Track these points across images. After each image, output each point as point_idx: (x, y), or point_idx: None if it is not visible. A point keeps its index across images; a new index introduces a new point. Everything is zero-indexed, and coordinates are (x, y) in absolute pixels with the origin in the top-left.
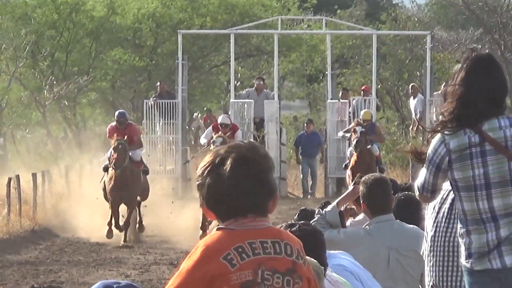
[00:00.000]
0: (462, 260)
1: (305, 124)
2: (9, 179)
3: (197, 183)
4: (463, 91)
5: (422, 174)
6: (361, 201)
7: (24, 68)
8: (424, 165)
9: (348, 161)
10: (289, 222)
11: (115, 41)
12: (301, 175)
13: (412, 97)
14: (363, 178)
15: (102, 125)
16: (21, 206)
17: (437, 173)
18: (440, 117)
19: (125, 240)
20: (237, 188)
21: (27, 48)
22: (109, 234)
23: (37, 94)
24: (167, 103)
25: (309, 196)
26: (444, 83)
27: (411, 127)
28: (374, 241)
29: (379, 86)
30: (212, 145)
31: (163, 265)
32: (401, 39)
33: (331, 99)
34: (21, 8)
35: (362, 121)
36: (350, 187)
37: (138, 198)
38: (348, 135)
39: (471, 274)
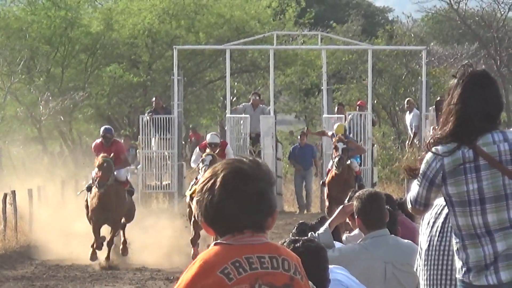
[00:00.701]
0: (459, 275)
1: (299, 137)
2: (5, 195)
3: (196, 199)
4: (459, 108)
5: (415, 187)
6: (356, 216)
7: (19, 84)
8: (417, 178)
9: (325, 177)
10: (292, 238)
11: (111, 56)
12: (295, 188)
13: (408, 112)
14: (357, 193)
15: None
16: (17, 222)
17: (430, 188)
18: (435, 132)
19: (107, 259)
20: (235, 204)
21: (22, 63)
22: (93, 256)
23: (32, 109)
24: (163, 118)
25: (305, 211)
26: (438, 97)
27: (407, 141)
28: (370, 256)
29: (375, 101)
30: (201, 163)
31: (159, 280)
32: (397, 54)
33: (327, 114)
34: (16, 23)
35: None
36: (339, 208)
37: (123, 219)
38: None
39: None
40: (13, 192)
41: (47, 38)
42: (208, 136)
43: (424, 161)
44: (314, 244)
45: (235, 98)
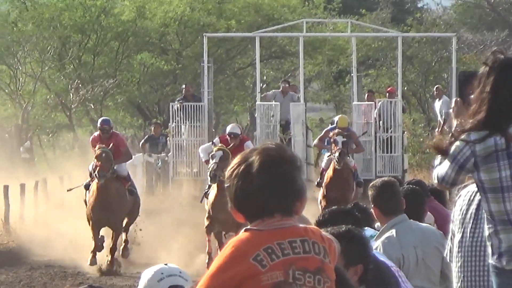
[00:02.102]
0: (491, 260)
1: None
2: (36, 182)
3: (226, 185)
4: (491, 97)
5: (445, 166)
6: (372, 206)
7: (50, 71)
8: (447, 159)
9: (320, 178)
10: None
11: (141, 44)
12: None
13: (437, 99)
14: (372, 183)
15: (129, 128)
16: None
17: (459, 171)
18: (467, 120)
19: (110, 264)
20: (264, 189)
21: (53, 51)
22: (93, 260)
23: (63, 97)
24: (193, 106)
25: None
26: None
27: (437, 128)
28: (401, 243)
29: (405, 88)
30: (211, 159)
31: None
32: (426, 41)
33: (356, 101)
34: (48, 11)
35: (339, 129)
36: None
37: (125, 220)
38: (325, 157)
39: (500, 274)
40: (45, 180)
41: (79, 26)
42: (229, 126)
43: (456, 145)
44: (358, 231)
45: (264, 85)
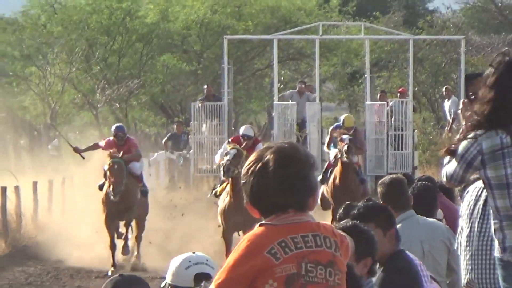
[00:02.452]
0: (497, 253)
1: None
2: (63, 178)
3: (242, 181)
4: (495, 94)
5: (453, 165)
6: (381, 202)
7: (77, 72)
8: (455, 158)
9: (322, 174)
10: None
11: (165, 46)
12: None
13: (446, 99)
14: (380, 180)
15: (152, 127)
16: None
17: (467, 169)
18: (471, 119)
19: (137, 259)
20: (280, 185)
21: (80, 52)
22: (114, 264)
23: (90, 96)
24: (214, 105)
25: None
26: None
27: (446, 127)
28: (408, 238)
29: (415, 89)
30: (226, 157)
31: None
32: (436, 43)
33: (369, 101)
34: (76, 14)
35: (345, 128)
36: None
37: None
38: (331, 152)
39: (505, 267)
40: (71, 177)
41: (105, 28)
42: (242, 128)
43: (463, 144)
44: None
45: (282, 85)
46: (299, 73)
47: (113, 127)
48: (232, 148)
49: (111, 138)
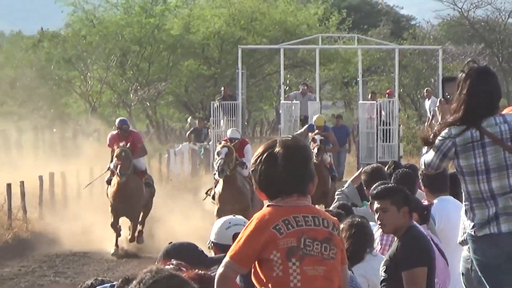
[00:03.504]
0: (469, 230)
1: (336, 119)
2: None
3: (251, 169)
4: (467, 98)
5: (430, 155)
6: (365, 188)
7: (113, 76)
8: (432, 149)
9: None
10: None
11: (188, 54)
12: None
13: (427, 99)
14: (363, 169)
15: (177, 122)
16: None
17: (443, 159)
18: (448, 117)
19: (132, 238)
20: (286, 172)
21: (116, 59)
22: (116, 249)
23: (124, 97)
24: (230, 104)
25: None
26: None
27: (426, 123)
28: None
29: (401, 90)
30: (217, 156)
31: None
32: (418, 52)
33: (362, 100)
34: (112, 27)
35: (316, 127)
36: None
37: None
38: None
39: (474, 241)
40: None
41: (137, 39)
42: (229, 131)
43: (439, 137)
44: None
45: (287, 87)
46: (302, 78)
47: (117, 120)
48: (223, 147)
49: (114, 132)
